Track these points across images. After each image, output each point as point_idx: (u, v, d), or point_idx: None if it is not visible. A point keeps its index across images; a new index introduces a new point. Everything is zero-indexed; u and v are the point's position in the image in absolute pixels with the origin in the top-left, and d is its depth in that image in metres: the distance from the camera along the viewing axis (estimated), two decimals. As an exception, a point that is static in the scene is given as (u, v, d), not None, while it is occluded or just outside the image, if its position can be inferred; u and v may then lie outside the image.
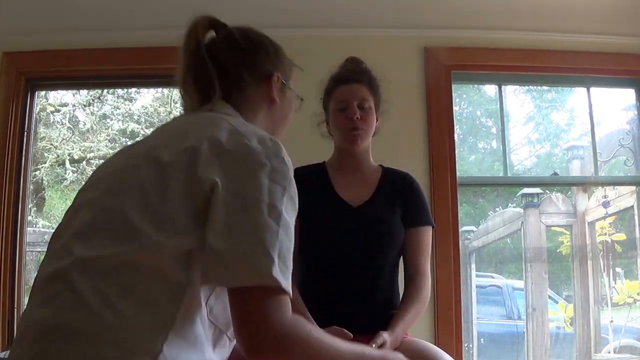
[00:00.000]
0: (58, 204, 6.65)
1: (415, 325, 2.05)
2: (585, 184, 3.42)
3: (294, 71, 1.37)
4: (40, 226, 6.23)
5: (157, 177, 0.96)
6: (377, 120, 1.90)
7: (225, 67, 1.20)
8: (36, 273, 1.00)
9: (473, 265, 3.74)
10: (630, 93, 3.21)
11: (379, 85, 1.92)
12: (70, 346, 0.86)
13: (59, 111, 6.26)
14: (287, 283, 0.90)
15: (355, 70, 1.92)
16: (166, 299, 0.91)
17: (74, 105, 6.30)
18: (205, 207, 0.93)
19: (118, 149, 1.20)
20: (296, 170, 1.91)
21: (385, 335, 1.58)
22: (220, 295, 0.98)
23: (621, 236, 3.43)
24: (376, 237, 1.75)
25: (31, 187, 3.01)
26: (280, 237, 0.92)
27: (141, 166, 0.99)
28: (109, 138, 6.38)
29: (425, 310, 1.84)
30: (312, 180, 1.87)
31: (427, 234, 1.87)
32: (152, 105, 6.55)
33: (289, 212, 0.97)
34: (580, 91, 3.41)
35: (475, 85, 3.70)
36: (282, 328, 0.88)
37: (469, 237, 3.84)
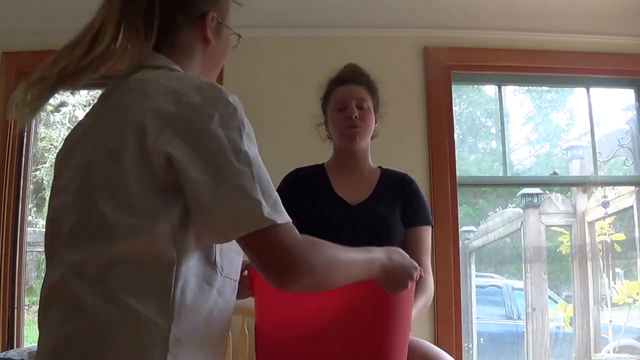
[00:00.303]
0: (58, 204, 6.64)
1: (415, 325, 2.05)
2: (584, 184, 3.42)
3: (230, 5, 1.24)
4: (40, 226, 6.22)
5: (114, 168, 0.96)
6: (375, 122, 1.92)
7: (160, 9, 1.11)
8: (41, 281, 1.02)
9: (473, 266, 3.74)
10: (629, 93, 3.22)
11: (378, 88, 1.96)
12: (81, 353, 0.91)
13: (58, 111, 6.26)
14: (279, 215, 0.92)
15: (354, 72, 1.94)
16: (163, 280, 0.93)
17: (74, 106, 6.29)
18: (170, 180, 0.93)
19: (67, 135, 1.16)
20: (296, 172, 1.95)
21: None
22: (224, 251, 1.03)
23: (621, 236, 3.43)
24: (375, 235, 1.76)
25: (31, 187, 3.01)
26: (256, 176, 0.92)
27: (96, 161, 0.99)
28: (108, 138, 6.38)
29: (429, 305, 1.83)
30: (310, 180, 1.90)
31: (427, 233, 1.89)
32: (152, 106, 6.54)
33: (252, 148, 0.96)
34: (579, 91, 3.42)
35: (475, 86, 3.70)
36: (301, 252, 0.92)
37: (468, 237, 3.84)
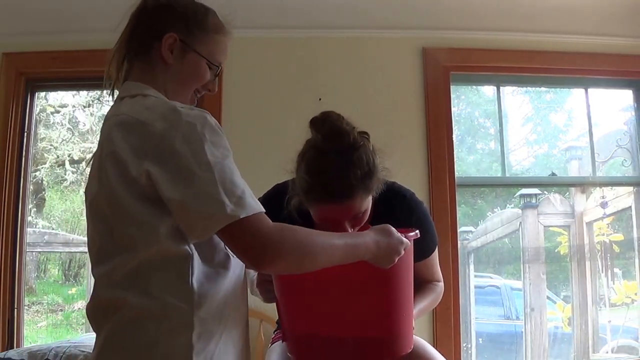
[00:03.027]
0: (58, 205, 6.65)
1: (415, 325, 2.06)
2: (583, 185, 3.43)
3: (217, 40, 1.30)
4: (40, 227, 6.23)
5: (110, 195, 1.13)
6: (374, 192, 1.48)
7: (136, 37, 1.28)
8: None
9: (471, 266, 3.75)
10: (627, 94, 3.22)
11: (375, 172, 1.44)
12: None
13: (58, 112, 6.27)
14: (243, 209, 1.05)
15: (342, 177, 1.36)
16: (180, 272, 1.11)
17: (73, 106, 6.30)
18: (156, 193, 1.09)
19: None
20: (276, 191, 1.70)
21: None
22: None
23: (619, 237, 3.44)
24: None
25: (31, 187, 3.02)
26: (219, 180, 1.06)
27: (95, 193, 1.17)
28: (108, 139, 6.37)
29: (437, 304, 1.82)
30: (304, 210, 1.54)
31: (436, 252, 1.72)
32: (151, 106, 6.54)
33: (216, 153, 1.09)
34: (578, 92, 3.42)
35: (474, 86, 3.71)
36: (269, 238, 1.06)
37: (467, 237, 3.85)
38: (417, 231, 1.39)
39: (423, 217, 1.63)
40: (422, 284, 1.72)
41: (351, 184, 1.36)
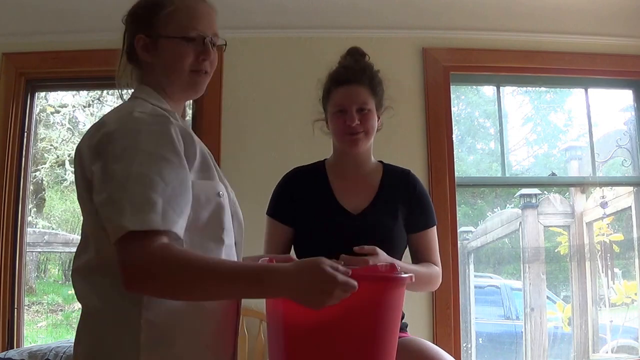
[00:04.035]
0: (58, 205, 6.65)
1: (414, 325, 2.06)
2: (583, 185, 3.43)
3: (181, 10, 1.27)
4: (40, 227, 6.23)
5: (80, 194, 1.19)
6: (378, 119, 1.84)
7: (126, 52, 1.34)
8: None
9: (471, 266, 3.74)
10: (627, 94, 3.23)
11: (381, 82, 1.85)
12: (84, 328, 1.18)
13: (58, 112, 6.27)
14: (142, 223, 1.02)
15: (355, 69, 1.83)
16: None
17: (73, 106, 6.30)
18: None
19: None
20: (295, 173, 1.90)
21: (378, 250, 1.63)
22: (195, 241, 1.15)
23: (619, 237, 3.44)
24: (377, 243, 1.68)
25: (31, 187, 3.02)
26: (129, 189, 1.04)
27: (78, 189, 1.21)
28: (108, 139, 6.38)
29: (433, 285, 1.85)
30: (310, 184, 1.84)
31: (434, 232, 1.87)
32: (151, 106, 6.54)
33: (147, 159, 1.08)
34: (578, 92, 3.43)
35: (474, 86, 3.71)
36: (146, 258, 1.02)
37: (467, 237, 3.85)
38: (413, 275, 1.30)
39: (424, 190, 1.91)
40: (419, 262, 1.85)
41: (360, 72, 1.81)
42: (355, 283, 1.06)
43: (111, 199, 1.04)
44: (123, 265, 1.02)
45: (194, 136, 1.23)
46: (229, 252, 1.23)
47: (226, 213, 1.22)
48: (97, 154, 1.11)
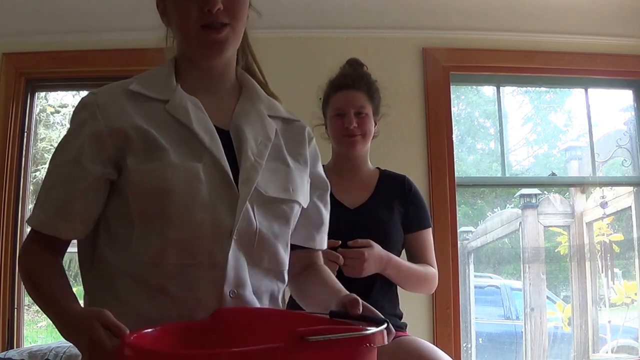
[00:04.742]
0: (57, 205, 6.64)
1: (414, 325, 2.06)
2: (583, 185, 3.43)
3: None
4: (39, 227, 6.23)
5: None
6: (375, 124, 1.92)
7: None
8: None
9: (471, 266, 3.74)
10: (627, 94, 3.23)
11: (378, 89, 1.94)
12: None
13: (58, 112, 6.26)
14: (37, 222, 1.07)
15: (353, 76, 1.92)
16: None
17: (73, 106, 6.29)
18: None
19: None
20: None
21: (372, 242, 1.69)
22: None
23: (619, 237, 3.44)
24: (374, 238, 1.76)
25: (31, 187, 3.01)
26: (45, 190, 1.09)
27: None
28: (108, 139, 6.38)
29: (428, 287, 1.90)
30: None
31: (429, 234, 1.93)
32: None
33: (60, 149, 1.11)
34: (578, 92, 3.42)
35: (474, 86, 3.71)
36: (20, 254, 1.11)
37: (467, 237, 3.84)
38: (384, 333, 0.85)
39: (419, 193, 1.97)
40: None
41: (359, 79, 1.89)
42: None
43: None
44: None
45: (132, 115, 1.08)
46: (183, 249, 1.03)
47: (174, 202, 1.02)
48: None
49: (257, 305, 1.09)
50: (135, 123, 1.06)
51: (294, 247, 1.21)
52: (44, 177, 1.12)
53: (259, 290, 1.10)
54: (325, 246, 1.31)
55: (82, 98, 1.14)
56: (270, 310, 1.11)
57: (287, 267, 1.18)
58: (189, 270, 1.03)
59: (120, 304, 1.02)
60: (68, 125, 1.12)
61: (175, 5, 1.12)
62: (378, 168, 2.00)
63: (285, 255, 1.16)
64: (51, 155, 1.12)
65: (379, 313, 0.99)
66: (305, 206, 1.22)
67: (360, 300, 0.99)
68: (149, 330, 0.90)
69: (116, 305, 0.97)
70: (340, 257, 1.64)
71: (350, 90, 1.88)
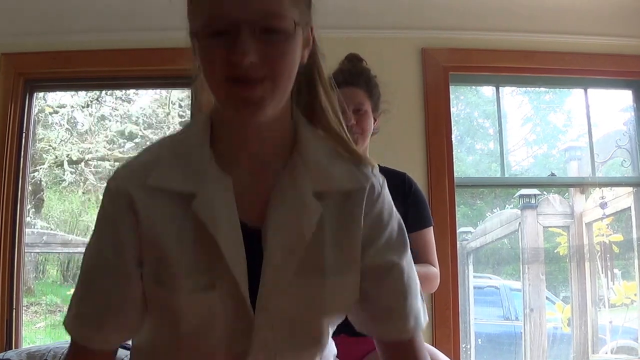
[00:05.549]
0: (56, 205, 6.64)
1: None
2: (582, 185, 3.43)
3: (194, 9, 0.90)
4: (38, 227, 6.22)
5: None
6: (375, 121, 1.90)
7: None
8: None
9: (470, 266, 3.74)
10: (627, 94, 3.22)
11: (377, 85, 1.92)
12: None
13: (57, 112, 6.26)
14: (75, 331, 0.95)
15: (352, 72, 1.90)
16: None
17: (72, 107, 6.29)
18: None
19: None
20: None
21: None
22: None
23: (618, 237, 3.44)
24: None
25: (30, 188, 3.01)
26: (75, 292, 0.96)
27: None
28: (107, 139, 6.37)
29: (429, 286, 1.87)
30: None
31: (430, 233, 1.91)
32: (151, 107, 6.54)
33: (88, 250, 0.96)
34: (577, 92, 3.42)
35: (473, 87, 3.71)
36: None
37: (466, 238, 3.85)
38: None
39: (420, 191, 1.96)
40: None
41: (357, 75, 1.87)
42: None
43: None
44: None
45: (156, 224, 0.91)
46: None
47: (185, 332, 0.93)
48: None
49: None
50: (150, 238, 0.92)
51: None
52: None
53: None
54: (417, 330, 1.03)
55: (108, 183, 0.96)
56: None
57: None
58: None
59: None
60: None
61: (201, 46, 0.87)
62: (377, 165, 1.98)
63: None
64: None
65: None
66: (350, 309, 1.02)
67: None
68: None
69: None
70: None
71: (348, 87, 1.85)
